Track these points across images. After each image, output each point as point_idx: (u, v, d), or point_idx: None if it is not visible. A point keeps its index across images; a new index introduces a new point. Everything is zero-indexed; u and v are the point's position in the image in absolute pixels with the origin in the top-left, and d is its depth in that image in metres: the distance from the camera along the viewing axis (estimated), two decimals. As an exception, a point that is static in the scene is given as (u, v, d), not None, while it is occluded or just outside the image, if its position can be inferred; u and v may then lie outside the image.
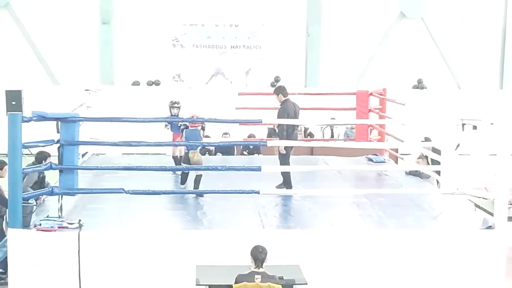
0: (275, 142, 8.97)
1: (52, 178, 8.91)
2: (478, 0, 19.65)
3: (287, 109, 9.08)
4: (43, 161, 8.74)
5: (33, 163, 8.80)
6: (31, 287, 7.08)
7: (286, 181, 9.13)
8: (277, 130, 9.35)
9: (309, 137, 16.33)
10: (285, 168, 9.01)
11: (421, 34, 19.63)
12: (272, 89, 18.90)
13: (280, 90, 9.33)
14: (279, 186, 9.14)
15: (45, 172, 8.65)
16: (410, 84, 19.46)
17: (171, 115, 10.17)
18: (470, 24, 19.54)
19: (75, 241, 7.07)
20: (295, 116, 9.17)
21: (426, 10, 19.48)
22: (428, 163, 10.79)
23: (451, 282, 7.40)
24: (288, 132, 9.06)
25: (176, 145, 10.08)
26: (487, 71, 19.86)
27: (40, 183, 8.87)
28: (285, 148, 9.11)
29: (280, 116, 9.08)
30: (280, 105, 9.28)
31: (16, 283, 7.06)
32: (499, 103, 18.14)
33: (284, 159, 9.21)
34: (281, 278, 6.19)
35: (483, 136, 9.60)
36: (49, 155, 8.88)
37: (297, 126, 9.28)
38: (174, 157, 10.40)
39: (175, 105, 10.15)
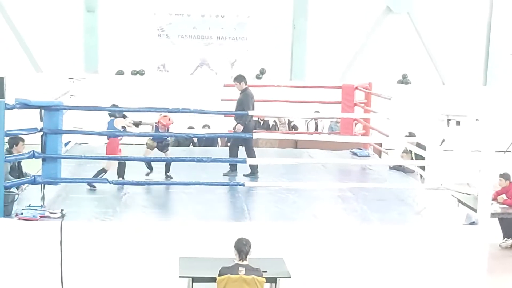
0: (261, 135, 8.95)
1: (30, 166, 8.79)
2: (464, -3, 19.74)
3: (249, 97, 9.54)
4: (15, 146, 8.63)
5: (6, 150, 8.72)
6: (12, 277, 7.00)
7: (253, 170, 9.41)
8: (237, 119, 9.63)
9: (293, 129, 16.33)
10: (254, 160, 9.24)
11: (406, 29, 19.67)
12: (258, 81, 18.96)
13: (242, 78, 9.72)
14: (227, 173, 9.40)
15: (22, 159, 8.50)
16: (395, 79, 19.51)
17: None
18: (455, 20, 19.60)
19: (57, 230, 7.00)
20: (253, 105, 9.62)
21: (412, 5, 19.50)
22: (412, 158, 10.84)
23: (434, 277, 7.43)
24: (248, 120, 9.43)
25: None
26: (471, 67, 19.96)
27: (17, 169, 8.76)
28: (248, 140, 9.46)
29: (244, 103, 9.45)
30: (241, 92, 9.62)
31: (-4, 272, 6.99)
32: (483, 100, 18.25)
33: (249, 150, 9.47)
34: (265, 271, 6.18)
35: (468, 132, 9.64)
36: (23, 140, 8.75)
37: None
38: None
39: None
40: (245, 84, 9.71)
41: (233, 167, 9.57)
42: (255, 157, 9.42)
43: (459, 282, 7.45)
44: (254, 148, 9.75)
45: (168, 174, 9.03)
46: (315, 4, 19.20)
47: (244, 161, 8.73)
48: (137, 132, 8.74)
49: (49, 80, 16.31)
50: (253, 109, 9.57)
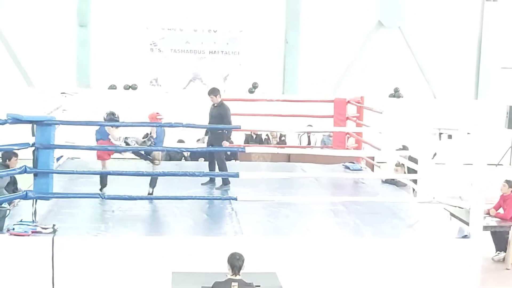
0: (253, 149, 8.97)
1: (22, 181, 8.76)
2: (455, 11, 19.87)
3: (228, 110, 9.76)
4: (7, 161, 8.62)
5: (1, 164, 8.70)
6: (3, 293, 6.96)
7: (225, 181, 9.61)
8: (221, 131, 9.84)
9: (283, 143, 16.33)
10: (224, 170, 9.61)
11: (398, 43, 19.78)
12: (250, 96, 18.97)
13: (218, 91, 9.92)
14: (220, 187, 9.58)
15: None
16: (387, 93, 19.59)
17: None
18: (446, 34, 19.74)
19: (49, 246, 6.97)
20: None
21: (404, 20, 19.64)
22: (405, 172, 10.85)
23: (427, 290, 7.43)
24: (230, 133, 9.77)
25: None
26: (462, 81, 20.07)
27: (13, 184, 8.74)
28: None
29: (227, 116, 9.65)
30: (216, 105, 9.80)
31: (-13, 288, 6.94)
32: (474, 113, 18.35)
33: (222, 160, 9.77)
34: (258, 286, 6.16)
35: (459, 146, 9.68)
36: (16, 155, 8.74)
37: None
38: None
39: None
40: (220, 96, 9.85)
41: (225, 181, 9.59)
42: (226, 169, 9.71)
43: (452, 295, 7.45)
44: (245, 162, 9.84)
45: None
46: (307, 18, 19.31)
47: (236, 175, 8.71)
48: (129, 147, 8.72)
49: (41, 94, 16.28)
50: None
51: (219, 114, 9.69)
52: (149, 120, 8.93)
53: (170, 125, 8.15)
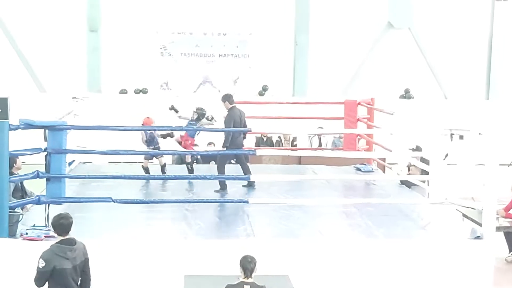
0: (264, 151, 8.97)
1: (33, 185, 8.77)
2: (465, 11, 19.78)
3: (233, 116, 9.56)
4: (14, 165, 8.54)
5: None
6: (16, 297, 6.99)
7: (222, 185, 9.48)
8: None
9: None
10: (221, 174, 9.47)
11: (408, 44, 19.71)
12: (260, 98, 18.99)
13: (227, 98, 9.82)
14: (217, 191, 9.44)
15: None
16: (397, 94, 19.53)
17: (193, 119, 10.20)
18: (456, 35, 19.65)
19: (62, 250, 6.98)
20: (241, 122, 9.62)
21: (414, 21, 19.57)
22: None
23: (440, 292, 7.39)
24: (233, 138, 9.46)
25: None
26: (473, 82, 19.97)
27: (21, 190, 8.73)
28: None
29: (227, 123, 9.53)
30: (228, 111, 9.69)
31: (1, 293, 6.98)
32: (486, 114, 18.25)
33: (221, 165, 9.59)
34: (270, 288, 6.16)
35: (471, 146, 9.63)
36: (17, 156, 8.62)
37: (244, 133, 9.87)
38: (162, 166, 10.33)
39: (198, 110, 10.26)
40: (230, 103, 9.73)
41: (223, 185, 9.55)
42: (250, 171, 9.46)
43: (466, 297, 7.42)
44: (256, 165, 9.79)
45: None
46: (317, 20, 19.29)
47: (248, 178, 8.75)
48: (140, 151, 8.76)
49: (53, 100, 16.36)
50: (241, 126, 9.57)
51: (225, 120, 9.68)
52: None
53: (181, 129, 8.19)
